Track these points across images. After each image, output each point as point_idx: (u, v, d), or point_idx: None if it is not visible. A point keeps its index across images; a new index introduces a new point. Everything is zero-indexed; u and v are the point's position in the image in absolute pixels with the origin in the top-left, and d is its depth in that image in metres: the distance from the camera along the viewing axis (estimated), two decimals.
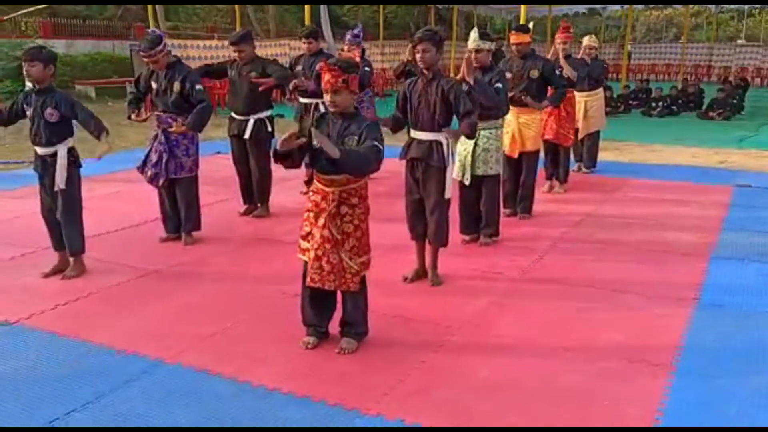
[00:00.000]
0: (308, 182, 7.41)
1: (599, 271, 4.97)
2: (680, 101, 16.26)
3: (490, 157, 5.49)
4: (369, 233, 3.67)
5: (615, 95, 16.71)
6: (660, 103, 15.96)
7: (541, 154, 7.36)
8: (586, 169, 8.68)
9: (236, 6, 20.47)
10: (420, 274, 4.81)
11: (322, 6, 20.96)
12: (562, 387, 3.29)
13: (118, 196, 7.04)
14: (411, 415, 3.03)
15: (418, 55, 4.52)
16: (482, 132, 5.45)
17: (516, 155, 6.37)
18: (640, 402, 3.14)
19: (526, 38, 6.30)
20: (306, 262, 3.61)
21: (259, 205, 6.52)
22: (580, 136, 8.55)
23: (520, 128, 6.31)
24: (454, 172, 5.58)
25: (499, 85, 5.37)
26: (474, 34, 5.43)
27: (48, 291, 4.49)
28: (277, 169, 8.20)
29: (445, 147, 4.57)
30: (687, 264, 5.09)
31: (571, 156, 8.05)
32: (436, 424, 2.97)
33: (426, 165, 4.60)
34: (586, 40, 8.55)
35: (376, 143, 3.43)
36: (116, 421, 2.99)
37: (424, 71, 4.55)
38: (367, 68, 7.17)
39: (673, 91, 16.54)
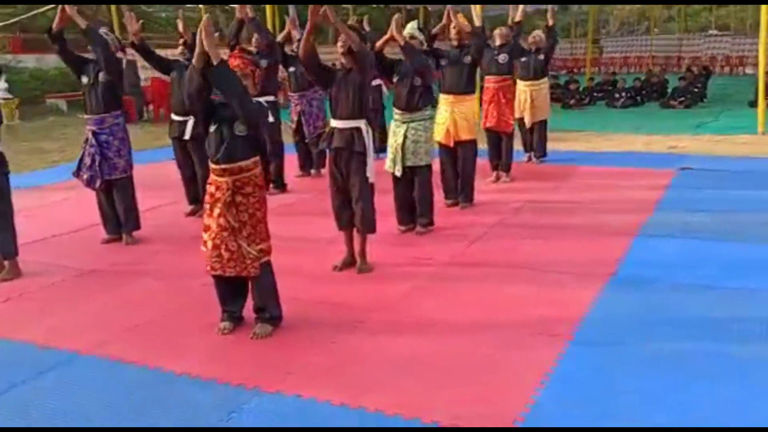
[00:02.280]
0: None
1: (526, 253, 5.10)
2: (644, 92, 16.47)
3: (420, 148, 5.62)
4: (266, 221, 3.79)
5: (581, 88, 16.95)
6: (623, 94, 16.16)
7: (484, 145, 7.56)
8: (536, 158, 8.81)
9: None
10: (349, 263, 4.92)
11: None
12: (468, 360, 3.42)
13: (67, 203, 7.13)
14: (310, 391, 3.14)
15: (339, 44, 4.66)
16: (411, 124, 5.60)
17: (452, 144, 6.49)
18: (533, 369, 3.26)
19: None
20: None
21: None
22: (527, 125, 8.71)
23: (454, 118, 6.43)
24: (386, 164, 5.77)
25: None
26: (411, 25, 5.64)
27: None
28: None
29: (365, 133, 4.70)
30: (613, 242, 5.22)
31: (518, 146, 8.19)
32: (332, 398, 3.08)
33: (349, 153, 4.72)
34: (531, 36, 8.71)
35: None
36: (24, 409, 3.08)
37: (342, 60, 4.68)
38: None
39: (636, 83, 16.75)
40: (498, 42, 7.65)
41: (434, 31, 6.65)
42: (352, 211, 4.82)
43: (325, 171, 8.02)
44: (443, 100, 6.53)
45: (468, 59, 6.35)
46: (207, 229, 3.72)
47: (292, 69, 8.03)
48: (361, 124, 4.70)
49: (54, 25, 5.31)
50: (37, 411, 3.07)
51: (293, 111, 8.24)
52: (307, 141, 8.04)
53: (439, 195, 6.57)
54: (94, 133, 5.52)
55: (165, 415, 3.01)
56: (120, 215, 5.66)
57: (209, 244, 3.69)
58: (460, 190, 6.62)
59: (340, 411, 2.97)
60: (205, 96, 3.67)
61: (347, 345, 3.66)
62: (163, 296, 4.43)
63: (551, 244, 5.28)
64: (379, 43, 5.55)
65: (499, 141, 7.72)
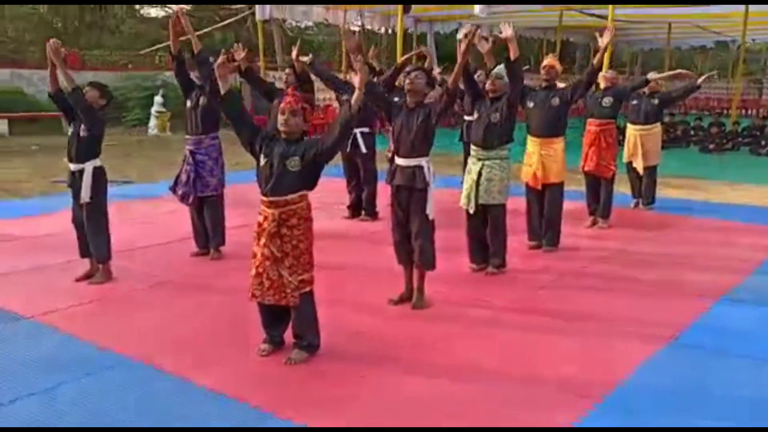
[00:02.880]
0: (350, 207, 7.81)
1: (590, 306, 4.89)
2: None
3: (493, 187, 5.56)
4: (311, 252, 3.91)
5: (725, 131, 15.97)
6: None
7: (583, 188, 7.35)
8: (644, 205, 8.41)
9: None
10: (406, 297, 4.95)
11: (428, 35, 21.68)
12: (470, 410, 3.36)
13: (174, 215, 7.67)
14: (316, 421, 3.22)
15: (407, 82, 4.76)
16: (486, 162, 5.57)
17: (539, 187, 6.37)
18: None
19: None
20: None
21: None
22: (639, 171, 8.35)
23: (542, 160, 6.31)
24: (461, 201, 5.77)
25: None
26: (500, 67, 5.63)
27: (70, 293, 5.05)
28: (322, 196, 8.68)
29: (426, 170, 4.74)
30: (689, 304, 4.89)
31: (627, 191, 7.87)
32: (322, 425, 3.14)
33: (410, 190, 4.78)
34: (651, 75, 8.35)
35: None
36: (65, 407, 3.40)
37: (409, 99, 4.77)
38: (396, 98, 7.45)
39: None
40: (603, 85, 7.44)
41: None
42: (412, 247, 4.87)
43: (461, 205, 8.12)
44: (531, 141, 6.43)
45: (556, 101, 6.22)
46: (254, 256, 3.92)
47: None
48: (423, 161, 4.75)
49: (172, 47, 5.83)
50: (76, 411, 3.34)
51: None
52: None
53: (524, 236, 6.49)
54: (191, 153, 5.96)
55: (160, 414, 3.25)
56: (209, 230, 6.05)
57: (253, 271, 3.88)
58: (545, 233, 6.47)
59: None
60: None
61: (369, 379, 3.70)
62: (220, 311, 4.68)
63: (621, 299, 5.04)
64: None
65: (597, 185, 7.46)
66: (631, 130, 8.41)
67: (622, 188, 8.82)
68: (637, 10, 16.90)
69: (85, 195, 5.25)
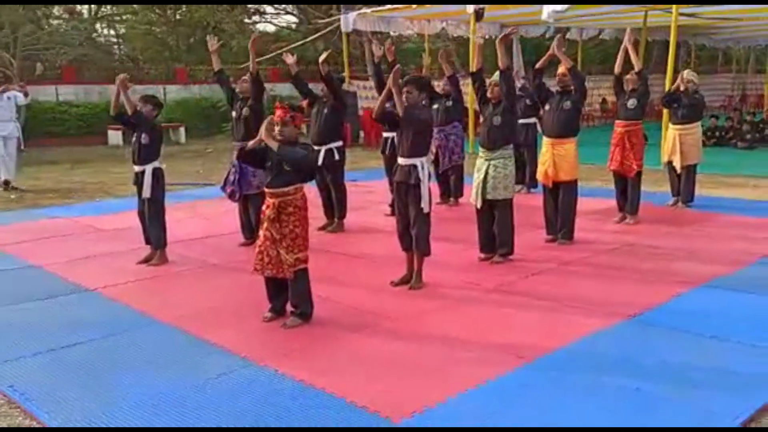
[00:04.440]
0: (392, 205, 8.52)
1: (571, 289, 5.36)
2: None
3: (499, 184, 6.11)
4: (306, 236, 4.67)
5: None
6: None
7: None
8: (683, 204, 8.58)
9: None
10: (405, 280, 5.62)
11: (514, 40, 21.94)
12: (416, 364, 4.01)
13: (233, 212, 8.65)
14: (286, 368, 3.97)
15: (404, 96, 5.44)
16: (492, 162, 6.13)
17: (550, 185, 6.84)
18: (469, 380, 3.74)
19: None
20: None
21: (336, 220, 7.73)
22: (677, 170, 8.56)
23: (554, 159, 6.77)
24: (470, 197, 6.36)
25: None
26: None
27: (130, 272, 6.08)
28: (367, 192, 9.46)
29: (420, 169, 5.39)
30: (666, 289, 5.26)
31: (666, 188, 8.12)
32: (299, 376, 3.87)
33: (407, 185, 5.46)
34: (685, 74, 8.57)
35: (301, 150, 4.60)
36: (75, 362, 4.33)
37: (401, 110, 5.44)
38: (436, 104, 8.10)
39: None
40: (630, 87, 7.76)
41: (539, 65, 7.00)
42: (411, 235, 5.54)
43: (463, 200, 8.76)
44: (544, 142, 6.91)
45: (568, 105, 6.67)
46: (259, 238, 4.74)
47: (435, 106, 8.85)
48: (418, 161, 5.40)
49: (215, 66, 6.88)
50: (90, 367, 4.12)
51: (434, 144, 9.04)
52: (440, 172, 8.80)
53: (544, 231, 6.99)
54: (237, 158, 6.88)
55: (175, 366, 4.04)
56: (253, 224, 6.94)
57: (257, 249, 4.70)
58: (559, 228, 6.91)
59: (297, 386, 3.75)
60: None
61: (347, 341, 4.41)
62: (247, 288, 5.50)
63: (601, 284, 5.48)
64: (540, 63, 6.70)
65: (624, 183, 7.79)
66: (671, 129, 8.64)
67: (664, 187, 9.05)
68: (729, 7, 16.50)
69: (146, 192, 6.27)
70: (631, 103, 7.65)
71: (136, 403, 3.59)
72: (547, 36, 23.67)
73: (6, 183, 10.82)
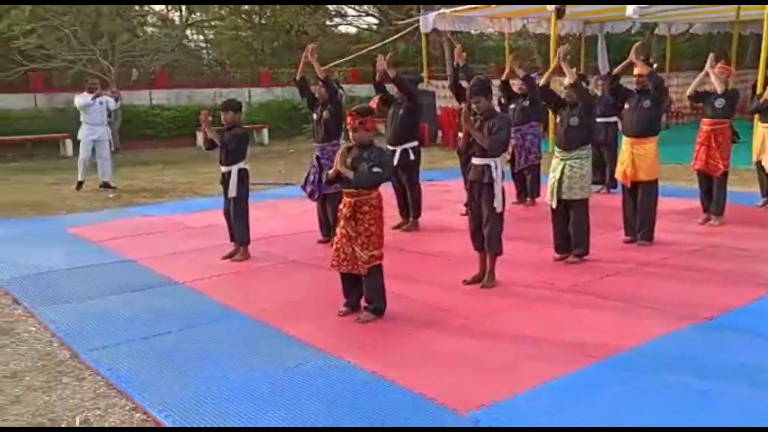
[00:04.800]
0: (467, 204, 8.61)
1: (647, 290, 5.31)
2: None
3: (575, 184, 6.10)
4: (381, 234, 4.82)
5: None
6: None
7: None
8: None
9: None
10: (478, 278, 5.69)
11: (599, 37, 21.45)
12: (487, 360, 4.09)
13: (312, 212, 8.94)
14: (357, 360, 4.14)
15: (473, 106, 5.52)
16: (568, 162, 6.12)
17: (629, 184, 6.75)
18: (537, 378, 3.80)
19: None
20: None
21: (411, 219, 7.87)
22: (766, 169, 8.27)
23: (633, 158, 6.68)
24: (546, 197, 6.37)
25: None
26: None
27: (215, 267, 6.42)
28: (443, 192, 9.55)
29: (493, 168, 5.46)
30: (744, 291, 5.14)
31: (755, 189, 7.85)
32: (370, 368, 4.03)
33: (480, 184, 5.54)
34: None
35: (377, 169, 4.68)
36: (165, 350, 4.63)
37: (479, 115, 5.50)
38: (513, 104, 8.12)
39: None
40: (719, 89, 7.53)
41: (616, 71, 6.94)
42: (483, 234, 5.61)
43: (539, 200, 8.74)
44: (624, 141, 6.83)
45: (647, 103, 6.58)
46: (336, 235, 4.94)
47: (512, 106, 8.87)
48: (492, 161, 5.47)
49: (297, 74, 7.14)
50: (178, 354, 4.41)
51: (510, 144, 9.04)
52: (515, 172, 8.80)
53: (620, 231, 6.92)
54: (317, 157, 7.14)
55: (255, 356, 4.28)
56: (331, 222, 7.17)
57: (334, 246, 4.90)
58: (638, 229, 6.81)
59: (368, 377, 3.91)
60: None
61: (418, 336, 4.55)
62: (324, 283, 5.71)
63: (678, 285, 5.41)
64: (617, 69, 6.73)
65: (709, 183, 7.58)
66: (760, 127, 8.35)
67: (754, 187, 8.74)
68: None
69: (232, 191, 6.60)
70: (719, 102, 7.44)
71: (218, 387, 3.84)
72: (633, 32, 23.14)
73: (105, 185, 11.49)
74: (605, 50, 21.52)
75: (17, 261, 6.76)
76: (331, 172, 4.97)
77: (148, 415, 3.63)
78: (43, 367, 4.35)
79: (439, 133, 18.27)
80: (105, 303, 5.47)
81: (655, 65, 6.92)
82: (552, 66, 6.62)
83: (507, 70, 8.83)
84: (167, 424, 3.48)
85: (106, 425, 3.58)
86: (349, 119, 4.84)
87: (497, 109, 6.21)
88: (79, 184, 11.32)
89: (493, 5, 18.31)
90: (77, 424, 3.59)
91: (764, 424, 3.21)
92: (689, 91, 7.76)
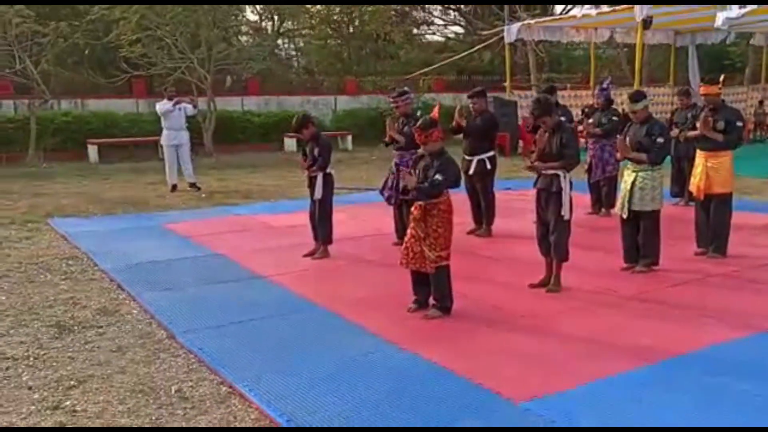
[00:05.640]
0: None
1: (710, 300, 5.42)
2: None
3: (646, 195, 6.22)
4: (448, 237, 5.14)
5: None
6: None
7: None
8: None
9: None
10: (544, 283, 5.92)
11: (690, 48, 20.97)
12: (546, 358, 4.35)
13: (387, 215, 9.29)
14: (425, 351, 4.48)
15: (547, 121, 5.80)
16: (640, 173, 6.25)
17: (701, 197, 6.79)
18: (587, 376, 4.03)
19: (714, 89, 6.73)
20: None
21: (484, 226, 8.14)
22: None
23: (707, 171, 6.73)
24: (616, 207, 6.52)
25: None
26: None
27: (297, 263, 6.91)
28: (518, 200, 9.72)
29: (561, 177, 5.68)
30: None
31: None
32: (435, 358, 4.36)
33: (548, 193, 5.78)
34: None
35: (438, 177, 5.01)
36: (255, 334, 5.09)
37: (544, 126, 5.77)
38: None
39: None
40: None
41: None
42: (550, 241, 5.84)
43: (614, 212, 8.81)
44: (698, 154, 6.90)
45: (721, 125, 6.61)
46: (407, 235, 5.30)
47: (591, 120, 9.02)
48: (560, 171, 5.69)
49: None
50: (260, 339, 4.88)
51: (588, 155, 9.19)
52: (590, 181, 8.93)
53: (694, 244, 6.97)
54: (396, 164, 7.52)
55: (329, 343, 4.69)
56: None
57: (404, 245, 5.26)
58: (711, 242, 6.84)
59: (432, 367, 4.24)
60: None
61: (481, 333, 4.84)
62: (395, 282, 6.04)
63: (747, 298, 5.48)
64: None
65: None
66: None
67: None
68: None
69: (318, 194, 7.08)
70: None
71: (295, 369, 4.26)
72: (727, 42, 22.45)
73: (192, 185, 12.26)
74: (696, 61, 21.04)
75: (120, 252, 7.46)
76: (402, 188, 5.35)
77: (233, 388, 4.08)
78: (143, 344, 4.90)
79: (520, 143, 18.33)
80: (198, 291, 6.03)
81: (722, 77, 6.87)
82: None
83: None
84: (250, 395, 3.92)
85: (197, 396, 4.05)
86: (416, 135, 5.20)
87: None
88: (173, 187, 12.11)
89: (580, 15, 18.30)
90: (173, 393, 4.08)
91: None
92: None
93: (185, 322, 5.21)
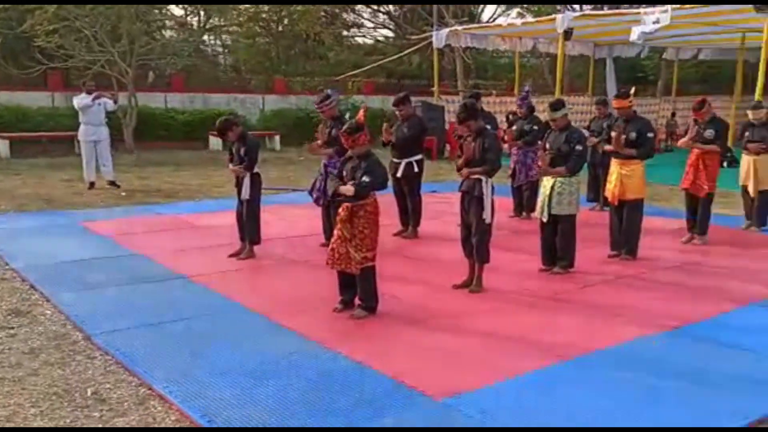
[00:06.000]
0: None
1: (621, 300, 5.68)
2: None
3: (564, 200, 6.46)
4: (374, 238, 5.21)
5: None
6: None
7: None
8: (756, 227, 8.61)
9: None
10: (466, 284, 6.06)
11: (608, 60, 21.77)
12: (466, 356, 4.46)
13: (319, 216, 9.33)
14: (347, 350, 4.52)
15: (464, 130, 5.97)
16: (558, 179, 6.48)
17: (616, 203, 7.11)
18: (503, 373, 4.17)
19: (626, 103, 7.06)
20: None
21: (411, 227, 8.26)
22: (751, 194, 8.62)
23: (621, 179, 7.05)
24: (536, 211, 6.74)
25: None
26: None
27: (221, 263, 6.83)
28: (443, 203, 9.91)
29: (483, 182, 5.84)
30: (714, 306, 5.49)
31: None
32: (357, 357, 4.41)
33: (470, 196, 5.92)
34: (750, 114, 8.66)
35: (365, 179, 5.08)
36: (170, 335, 5.02)
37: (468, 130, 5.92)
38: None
39: None
40: (707, 118, 7.87)
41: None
42: (472, 243, 5.99)
43: (534, 215, 9.10)
44: (612, 162, 7.22)
45: (633, 136, 6.95)
46: (333, 236, 5.33)
47: (514, 127, 9.30)
48: (483, 176, 5.85)
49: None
50: (181, 340, 4.78)
51: (512, 160, 9.46)
52: (514, 186, 9.21)
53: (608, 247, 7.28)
54: (324, 165, 7.53)
55: (253, 344, 4.65)
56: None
57: (330, 246, 5.29)
58: (623, 245, 7.17)
59: (354, 365, 4.28)
60: None
61: (405, 332, 4.92)
62: (321, 282, 6.06)
63: (655, 298, 5.74)
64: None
65: (695, 203, 7.93)
66: (745, 156, 8.70)
67: (741, 210, 9.07)
68: None
69: (245, 194, 7.01)
70: (709, 133, 7.76)
71: (216, 370, 4.23)
72: (642, 56, 23.52)
73: (111, 183, 11.90)
74: (612, 72, 21.93)
75: (34, 250, 7.19)
76: (330, 192, 5.39)
77: (152, 389, 4.01)
78: (57, 346, 4.74)
79: (447, 147, 18.64)
80: (116, 292, 5.87)
81: (633, 90, 7.23)
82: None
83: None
84: (170, 397, 3.86)
85: (115, 397, 3.96)
86: (343, 139, 5.25)
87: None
88: (91, 185, 11.73)
89: (505, 24, 18.80)
90: (89, 395, 3.97)
91: (702, 420, 3.56)
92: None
93: (103, 323, 5.08)
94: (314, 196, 7.64)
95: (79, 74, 18.19)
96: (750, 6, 12.42)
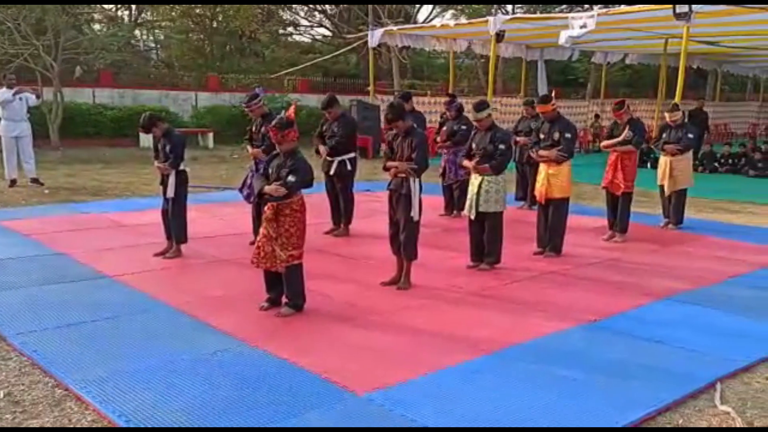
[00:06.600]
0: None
1: (544, 296, 5.84)
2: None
3: (491, 198, 6.61)
4: (301, 236, 5.21)
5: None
6: None
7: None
8: (673, 225, 8.99)
9: None
10: (395, 281, 6.13)
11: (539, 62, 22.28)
12: (392, 351, 4.52)
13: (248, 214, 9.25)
14: (272, 348, 4.51)
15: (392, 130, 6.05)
16: (486, 177, 6.62)
17: (543, 201, 7.32)
18: (425, 367, 4.25)
19: (548, 107, 7.30)
20: None
21: (342, 226, 8.28)
22: (666, 193, 9.01)
23: (548, 178, 7.26)
24: (464, 209, 6.87)
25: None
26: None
27: (147, 263, 6.69)
28: (375, 201, 9.98)
29: (411, 180, 5.92)
30: (630, 300, 5.72)
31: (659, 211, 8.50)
32: (282, 355, 4.41)
33: (398, 194, 5.99)
34: (667, 116, 9.03)
35: (291, 178, 5.06)
36: (90, 335, 4.92)
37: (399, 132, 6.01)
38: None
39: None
40: (625, 119, 8.18)
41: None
42: (400, 240, 6.06)
43: (464, 213, 9.25)
44: (541, 165, 7.42)
45: (557, 136, 7.18)
46: (259, 234, 5.31)
47: (444, 128, 9.45)
48: (410, 176, 5.93)
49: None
50: (102, 340, 4.69)
51: (442, 160, 9.60)
52: (444, 184, 9.35)
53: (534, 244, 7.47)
54: (255, 163, 7.48)
55: (176, 343, 4.60)
56: None
57: (256, 245, 5.27)
58: (548, 242, 7.38)
59: (281, 363, 4.29)
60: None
61: (332, 329, 4.94)
62: (248, 280, 6.02)
63: (575, 293, 5.94)
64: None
65: (615, 202, 8.23)
66: (662, 156, 9.08)
67: (660, 209, 9.46)
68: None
69: (170, 192, 6.89)
70: (627, 135, 8.06)
71: (138, 369, 4.16)
72: (572, 59, 24.18)
73: (34, 180, 11.50)
74: (544, 74, 22.47)
75: None
76: (257, 190, 5.37)
77: (68, 390, 3.91)
78: None
79: (383, 146, 18.71)
80: (35, 292, 5.69)
81: (553, 93, 7.47)
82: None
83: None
84: (87, 397, 3.78)
85: (29, 399, 3.85)
86: (271, 134, 5.23)
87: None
88: (12, 182, 11.30)
89: (439, 25, 19.01)
90: (1, 397, 3.85)
91: (613, 409, 3.73)
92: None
93: (19, 324, 4.93)
94: (244, 193, 7.59)
95: (0, 68, 17.47)
96: (671, 14, 12.94)
